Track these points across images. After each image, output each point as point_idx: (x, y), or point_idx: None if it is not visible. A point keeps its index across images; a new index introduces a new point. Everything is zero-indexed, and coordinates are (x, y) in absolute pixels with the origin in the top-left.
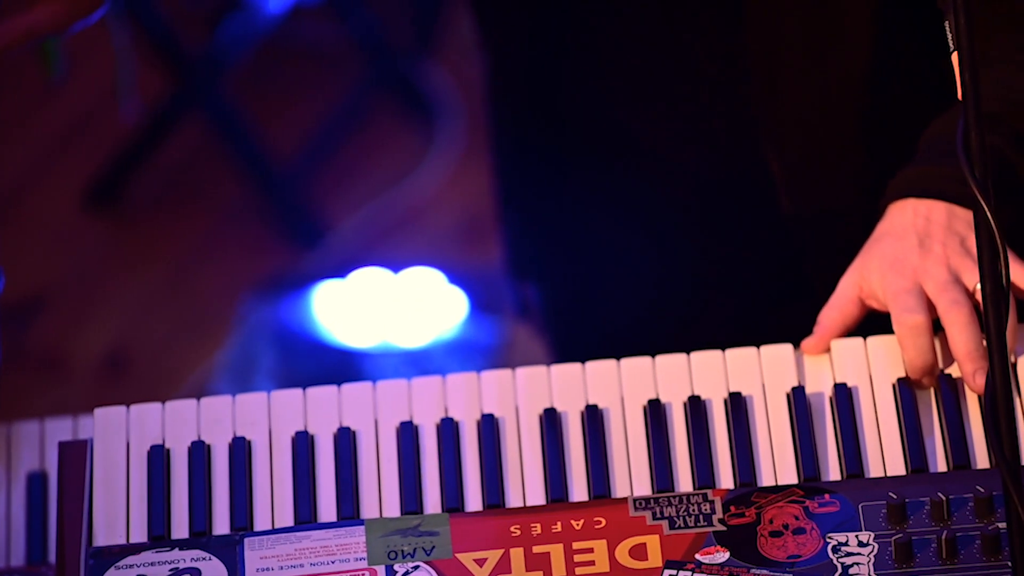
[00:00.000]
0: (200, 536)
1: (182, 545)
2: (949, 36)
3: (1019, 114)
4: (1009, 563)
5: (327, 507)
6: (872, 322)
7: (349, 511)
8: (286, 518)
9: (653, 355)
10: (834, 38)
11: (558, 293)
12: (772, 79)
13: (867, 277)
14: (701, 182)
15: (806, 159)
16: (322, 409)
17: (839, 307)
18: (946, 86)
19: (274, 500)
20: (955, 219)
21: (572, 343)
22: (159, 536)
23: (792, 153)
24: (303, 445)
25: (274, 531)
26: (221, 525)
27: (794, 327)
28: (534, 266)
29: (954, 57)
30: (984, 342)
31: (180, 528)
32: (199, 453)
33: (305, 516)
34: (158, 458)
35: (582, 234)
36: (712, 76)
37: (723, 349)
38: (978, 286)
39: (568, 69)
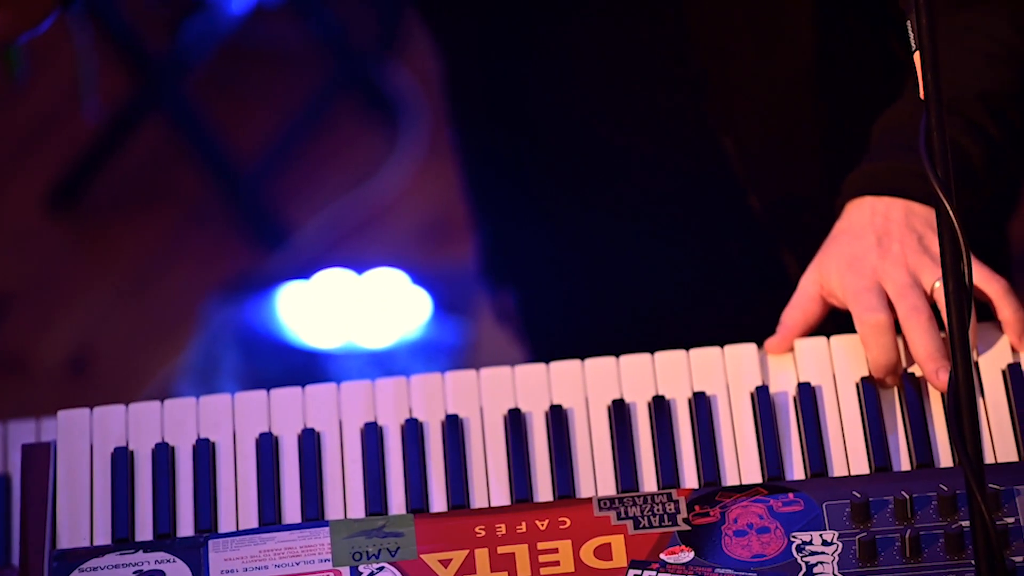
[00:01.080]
0: (164, 538)
1: (146, 547)
2: (911, 36)
3: (967, 99)
4: (972, 561)
5: (291, 508)
6: (835, 322)
7: (313, 512)
8: (250, 520)
9: (618, 355)
10: (779, 27)
11: (531, 295)
12: (724, 73)
13: (826, 276)
14: (671, 181)
15: (766, 149)
16: (286, 410)
17: (801, 306)
18: (894, 69)
19: (238, 502)
20: (913, 216)
21: (544, 344)
22: (123, 538)
23: (752, 145)
24: (267, 447)
25: (238, 533)
26: (185, 527)
27: (769, 327)
28: (506, 269)
29: (916, 57)
30: (945, 343)
31: (144, 530)
32: (163, 455)
33: (269, 518)
34: (122, 460)
35: (552, 236)
36: (674, 73)
37: (687, 348)
38: (937, 284)
39: (530, 71)
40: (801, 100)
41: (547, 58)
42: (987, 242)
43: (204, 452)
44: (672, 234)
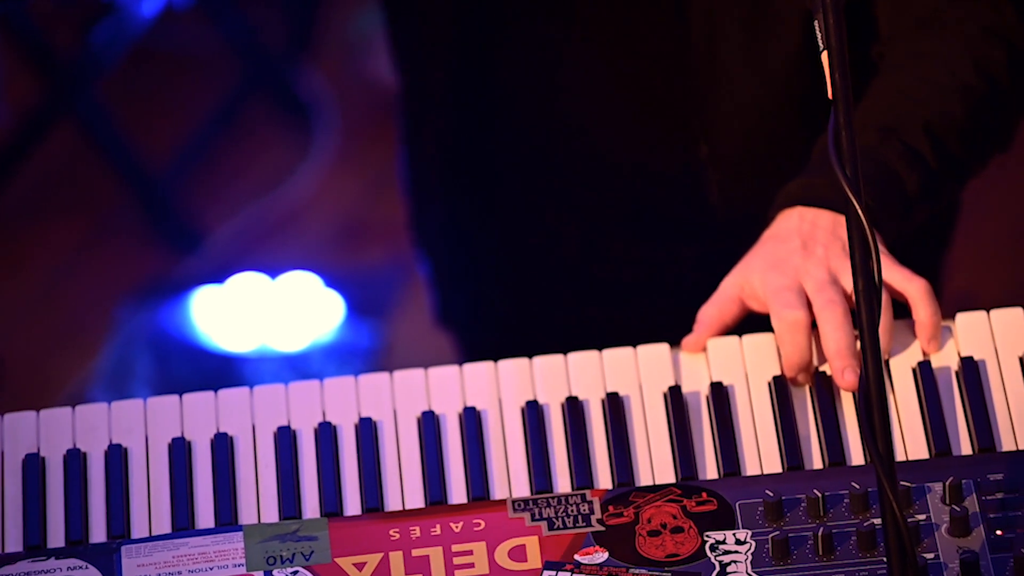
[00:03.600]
0: (77, 545)
1: (58, 554)
2: (819, 35)
3: (911, 127)
4: (884, 558)
5: (205, 513)
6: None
7: (227, 517)
8: (163, 525)
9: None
10: (767, 35)
11: (475, 295)
12: (712, 79)
13: (749, 278)
14: (629, 183)
15: (743, 162)
16: (199, 415)
17: (719, 305)
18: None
19: (151, 507)
20: (840, 227)
21: (486, 348)
22: (35, 545)
23: (728, 153)
24: (180, 451)
25: (151, 538)
26: (98, 533)
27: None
28: (451, 270)
29: (824, 56)
30: (857, 342)
31: (56, 537)
32: (74, 461)
33: (183, 523)
34: (33, 467)
35: (502, 240)
36: (643, 77)
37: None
38: None
39: (495, 81)
40: (783, 114)
41: (514, 65)
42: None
43: (116, 458)
44: (629, 235)
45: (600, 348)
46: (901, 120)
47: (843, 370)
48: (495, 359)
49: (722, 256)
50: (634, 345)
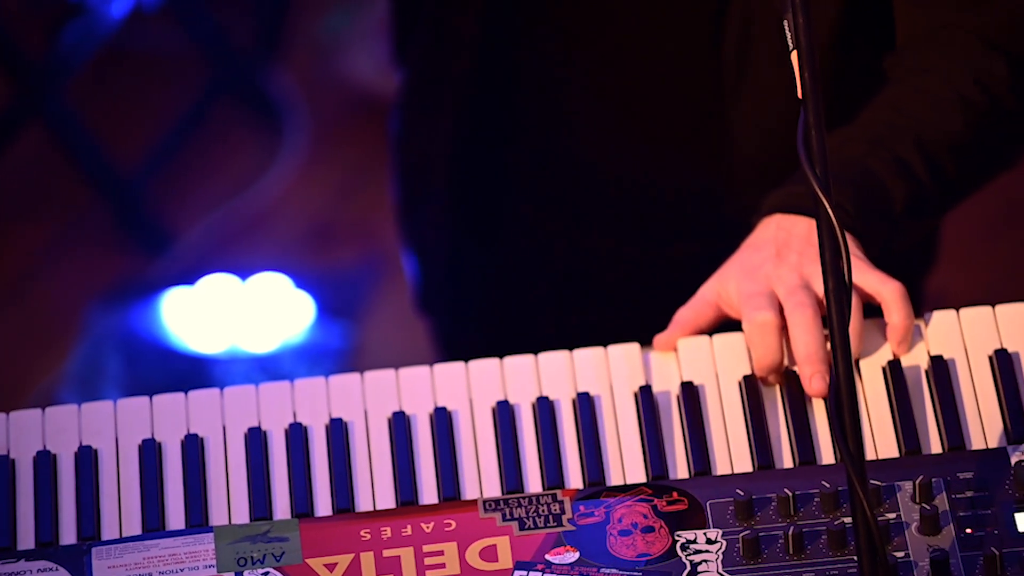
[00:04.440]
0: (47, 546)
1: (28, 556)
2: (788, 35)
3: (904, 139)
4: (855, 557)
5: (175, 515)
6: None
7: (198, 518)
8: (134, 526)
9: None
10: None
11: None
12: (739, 75)
13: (726, 285)
14: (619, 187)
15: (760, 159)
16: (169, 416)
17: (695, 308)
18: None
19: (121, 508)
20: (815, 233)
21: (460, 339)
22: (5, 547)
23: (747, 152)
24: (150, 453)
25: (122, 540)
26: (68, 535)
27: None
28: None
29: (793, 56)
30: (826, 347)
31: (26, 539)
32: (44, 463)
33: (153, 524)
34: (2, 469)
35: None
36: (643, 82)
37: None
38: None
39: (505, 75)
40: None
41: (520, 68)
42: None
43: (86, 459)
44: (617, 237)
45: (578, 347)
46: (893, 132)
47: (812, 376)
48: (471, 351)
49: (708, 258)
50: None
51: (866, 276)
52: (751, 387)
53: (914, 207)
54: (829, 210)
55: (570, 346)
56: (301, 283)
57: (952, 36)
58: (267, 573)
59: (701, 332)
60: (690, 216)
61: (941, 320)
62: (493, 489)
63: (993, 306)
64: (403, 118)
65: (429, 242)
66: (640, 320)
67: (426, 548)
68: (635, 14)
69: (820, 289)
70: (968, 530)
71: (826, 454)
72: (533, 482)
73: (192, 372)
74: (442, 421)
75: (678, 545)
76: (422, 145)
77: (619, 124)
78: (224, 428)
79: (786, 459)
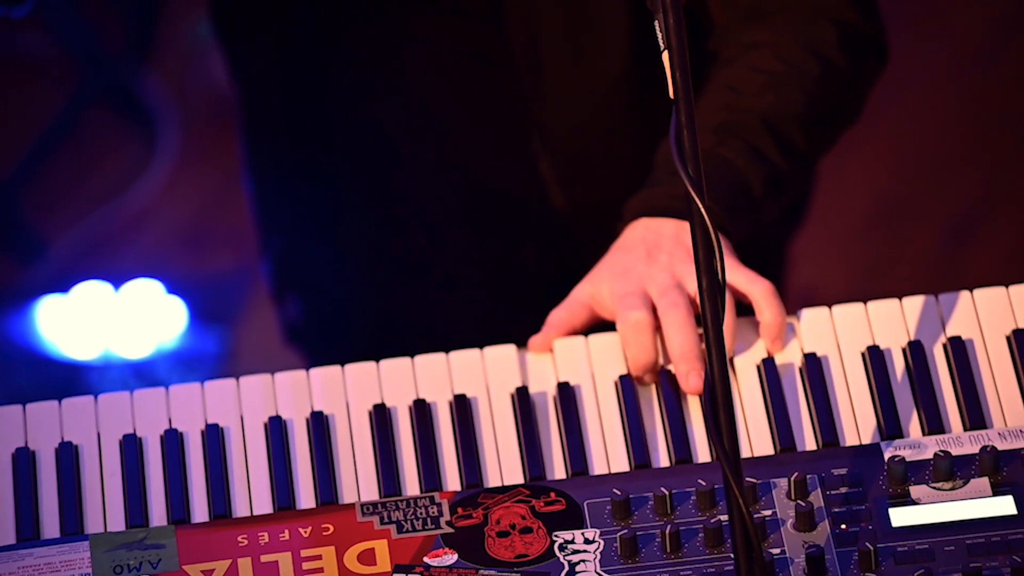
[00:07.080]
0: None
1: None
2: (659, 36)
3: (749, 123)
4: (732, 554)
5: (50, 523)
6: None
7: (73, 527)
8: (7, 536)
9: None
10: (592, 33)
11: (319, 305)
12: (538, 78)
13: (598, 287)
14: (467, 183)
15: (577, 154)
16: (43, 424)
17: (569, 309)
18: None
19: None
20: (684, 233)
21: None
22: None
23: (563, 149)
24: (23, 461)
25: None
26: None
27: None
28: (295, 280)
29: (664, 56)
30: (700, 345)
31: None
32: None
33: (27, 533)
34: None
35: (343, 247)
36: (471, 76)
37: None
38: None
39: (331, 85)
40: (614, 105)
41: (350, 72)
42: (765, 259)
43: None
44: (473, 235)
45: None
46: (737, 116)
47: (687, 374)
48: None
49: (567, 253)
50: (482, 347)
51: (736, 275)
52: (627, 387)
53: (772, 188)
54: (703, 210)
55: (440, 350)
56: (173, 288)
57: (773, 11)
58: None
59: (576, 333)
60: (520, 214)
61: (814, 317)
62: (371, 493)
63: (865, 303)
64: (242, 132)
65: (283, 256)
66: (507, 315)
67: (304, 553)
68: (425, 50)
69: (692, 288)
70: (843, 526)
71: (702, 452)
72: (411, 485)
73: (66, 379)
74: (318, 425)
75: (556, 545)
76: (261, 156)
77: (461, 116)
78: (99, 435)
79: (662, 458)
